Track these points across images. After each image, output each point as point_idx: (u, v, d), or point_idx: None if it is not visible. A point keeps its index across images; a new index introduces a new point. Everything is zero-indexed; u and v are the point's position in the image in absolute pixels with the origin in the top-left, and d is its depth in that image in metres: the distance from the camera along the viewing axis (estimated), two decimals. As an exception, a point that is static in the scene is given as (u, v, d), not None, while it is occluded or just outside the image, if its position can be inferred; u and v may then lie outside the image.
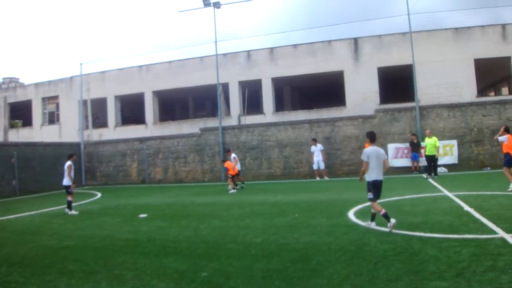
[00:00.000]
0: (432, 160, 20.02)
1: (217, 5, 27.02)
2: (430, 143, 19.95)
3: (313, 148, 23.50)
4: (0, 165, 23.70)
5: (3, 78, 48.57)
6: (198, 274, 6.57)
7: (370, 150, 9.14)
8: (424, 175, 20.01)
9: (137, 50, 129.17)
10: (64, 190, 15.40)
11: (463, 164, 22.46)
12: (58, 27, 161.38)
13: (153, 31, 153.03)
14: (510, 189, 13.46)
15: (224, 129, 27.21)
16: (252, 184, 22.93)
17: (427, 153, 20.15)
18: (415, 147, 22.64)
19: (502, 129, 14.37)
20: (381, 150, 9.29)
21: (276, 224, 10.40)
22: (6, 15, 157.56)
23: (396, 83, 31.68)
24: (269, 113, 31.31)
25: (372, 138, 9.37)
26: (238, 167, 21.22)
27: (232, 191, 19.56)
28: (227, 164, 20.46)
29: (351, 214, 10.97)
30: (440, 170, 22.21)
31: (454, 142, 22.68)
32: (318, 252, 7.38)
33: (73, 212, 14.64)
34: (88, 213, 14.84)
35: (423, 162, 22.75)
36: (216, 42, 28.11)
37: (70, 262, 7.72)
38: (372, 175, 9.08)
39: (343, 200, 13.83)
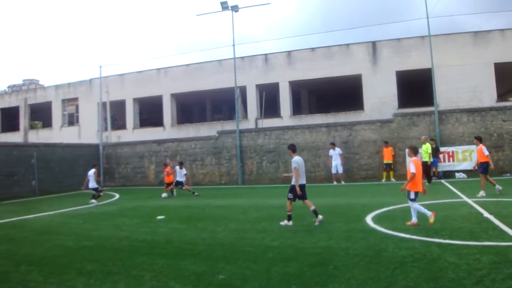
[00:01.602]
0: (423, 166, 19.86)
1: (235, 8, 27.12)
2: (423, 150, 19.88)
3: (331, 152, 23.42)
4: (20, 166, 24.06)
5: (24, 80, 49.41)
6: (215, 276, 6.60)
7: (298, 159, 10.92)
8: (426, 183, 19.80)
9: (156, 53, 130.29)
10: (92, 191, 19.34)
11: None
12: (78, 30, 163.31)
13: (172, 34, 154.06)
14: (479, 195, 14.27)
15: (241, 132, 27.28)
16: (269, 188, 22.95)
17: (423, 160, 20.00)
18: (434, 153, 22.40)
19: (476, 140, 15.79)
20: (302, 159, 11.22)
21: (293, 228, 10.40)
22: (27, 18, 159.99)
23: (415, 87, 31.44)
24: (286, 117, 31.31)
25: (293, 149, 11.33)
26: (180, 178, 21.09)
27: (164, 195, 20.57)
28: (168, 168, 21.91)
29: (368, 219, 10.92)
30: (459, 175, 22.01)
31: (474, 148, 22.37)
32: (336, 257, 7.36)
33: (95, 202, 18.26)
34: (106, 214, 15.02)
35: (441, 167, 22.62)
36: (234, 45, 28.25)
37: (88, 262, 7.82)
38: (300, 179, 10.75)
39: (361, 205, 13.76)
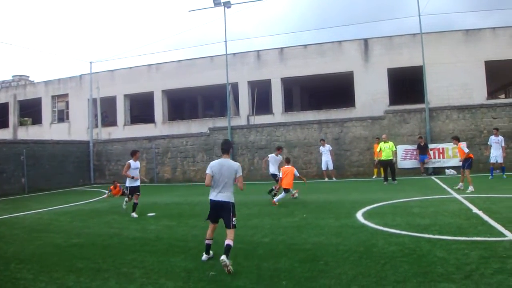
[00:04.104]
0: (389, 165, 19.76)
1: (227, 4, 27.01)
2: (387, 148, 19.64)
3: (321, 148, 23.47)
4: (10, 163, 23.81)
5: (13, 76, 48.92)
6: (206, 273, 6.61)
7: (215, 162, 7.50)
8: (385, 183, 19.45)
9: (147, 49, 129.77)
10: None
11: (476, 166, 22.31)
12: (68, 25, 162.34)
13: (163, 30, 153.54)
14: (469, 190, 14.63)
15: (233, 128, 27.25)
16: (260, 185, 22.94)
17: (383, 158, 19.73)
18: (423, 150, 22.58)
19: (454, 140, 16.41)
20: (232, 165, 7.38)
21: (284, 224, 10.41)
22: (17, 14, 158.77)
23: (406, 84, 31.59)
24: (278, 113, 31.33)
25: (223, 148, 7.65)
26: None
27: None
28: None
29: (359, 215, 10.96)
30: (449, 172, 22.14)
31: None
32: (326, 253, 7.39)
33: (134, 214, 13.27)
34: (96, 211, 14.95)
35: (431, 164, 22.79)
36: (226, 41, 28.17)
37: (78, 260, 7.78)
38: (211, 193, 7.49)
39: (351, 201, 13.82)
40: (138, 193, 14.22)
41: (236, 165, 7.48)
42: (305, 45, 31.17)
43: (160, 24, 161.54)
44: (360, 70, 29.45)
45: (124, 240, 9.57)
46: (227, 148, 7.65)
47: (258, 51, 32.40)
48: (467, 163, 15.34)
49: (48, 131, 38.27)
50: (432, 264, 6.35)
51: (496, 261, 6.32)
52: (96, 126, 34.75)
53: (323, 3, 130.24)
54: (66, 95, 39.03)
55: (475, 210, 10.70)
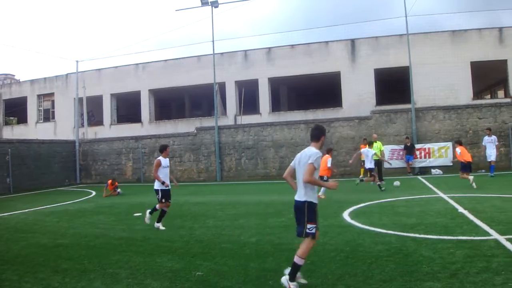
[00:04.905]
0: (377, 164, 19.72)
1: (214, 4, 26.96)
2: (376, 148, 19.50)
3: (309, 148, 23.43)
4: (-5, 163, 23.54)
5: (-1, 75, 48.45)
6: (193, 273, 6.56)
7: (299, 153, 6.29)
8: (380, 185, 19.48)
9: (134, 48, 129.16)
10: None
11: (457, 166, 22.39)
12: (55, 24, 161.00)
13: (150, 29, 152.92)
14: (475, 187, 14.91)
15: (220, 128, 27.19)
16: (247, 185, 22.93)
17: (374, 158, 19.77)
18: (409, 150, 22.73)
19: (457, 145, 16.69)
20: (307, 151, 5.98)
21: (271, 224, 10.39)
22: (3, 12, 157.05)
23: (393, 85, 31.73)
24: (265, 113, 31.31)
25: (310, 134, 6.36)
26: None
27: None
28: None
29: (345, 215, 10.99)
30: (435, 172, 22.31)
31: (449, 144, 22.73)
32: (313, 253, 7.32)
33: (160, 225, 10.75)
34: (82, 212, 14.79)
35: (417, 164, 22.95)
36: (213, 41, 28.13)
37: (63, 261, 7.69)
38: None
39: (338, 201, 13.85)
40: (169, 200, 11.23)
41: (312, 151, 5.83)
42: (293, 45, 31.20)
43: (147, 23, 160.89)
44: (347, 70, 29.53)
45: (110, 240, 9.48)
46: (314, 134, 6.17)
47: (245, 51, 32.36)
48: (462, 166, 15.83)
49: (33, 130, 37.87)
50: (418, 263, 6.36)
51: (481, 260, 6.35)
52: (82, 125, 34.49)
53: (310, 4, 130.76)
54: (52, 94, 38.65)
55: (460, 209, 10.77)
